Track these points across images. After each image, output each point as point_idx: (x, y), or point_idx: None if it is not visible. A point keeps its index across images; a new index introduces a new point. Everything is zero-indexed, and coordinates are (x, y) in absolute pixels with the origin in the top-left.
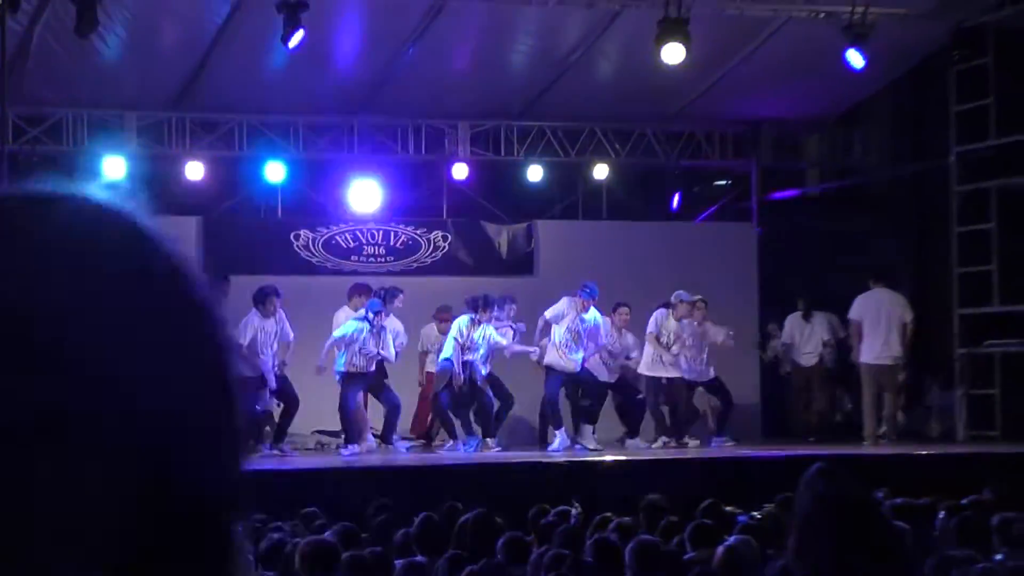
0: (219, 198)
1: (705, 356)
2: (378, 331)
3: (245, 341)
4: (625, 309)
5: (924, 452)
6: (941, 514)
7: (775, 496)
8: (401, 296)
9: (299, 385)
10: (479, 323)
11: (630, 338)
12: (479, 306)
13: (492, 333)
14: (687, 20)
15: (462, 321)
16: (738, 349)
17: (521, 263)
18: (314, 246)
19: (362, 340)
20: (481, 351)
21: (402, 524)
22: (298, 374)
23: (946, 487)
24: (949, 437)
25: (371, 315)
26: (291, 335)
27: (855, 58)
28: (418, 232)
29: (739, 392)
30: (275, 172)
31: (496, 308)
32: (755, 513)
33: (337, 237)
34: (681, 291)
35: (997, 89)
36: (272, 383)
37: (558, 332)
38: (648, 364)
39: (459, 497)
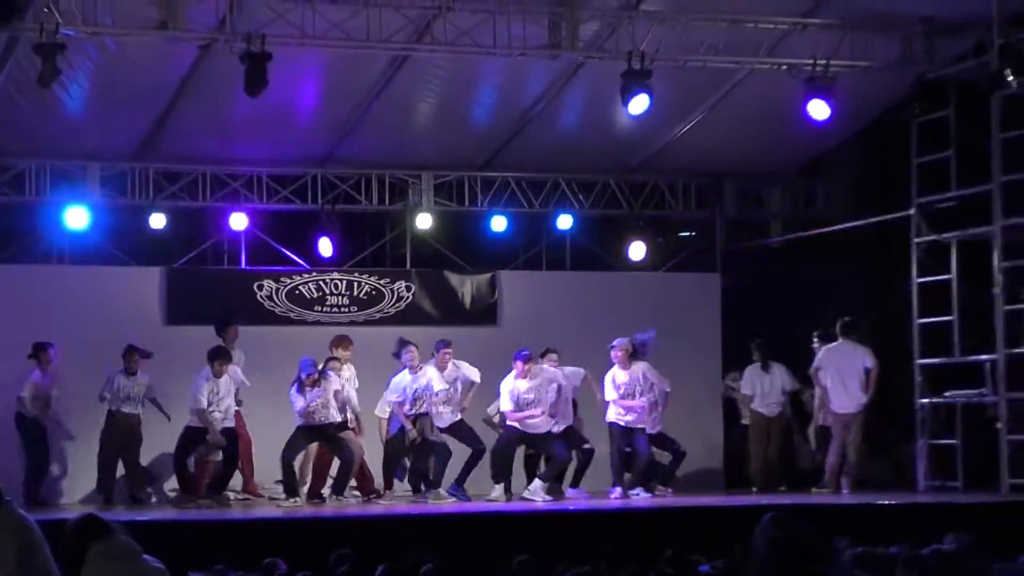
0: (182, 248)
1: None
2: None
3: (204, 400)
4: (554, 355)
5: (886, 502)
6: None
7: (735, 544)
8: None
9: (260, 434)
10: (416, 370)
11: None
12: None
13: (432, 378)
14: (650, 72)
15: (402, 375)
16: (702, 399)
17: (485, 313)
18: (277, 296)
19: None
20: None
21: (365, 573)
22: (259, 423)
23: (908, 536)
24: (910, 487)
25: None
26: (245, 382)
27: (819, 110)
28: (382, 282)
29: (703, 441)
30: (238, 222)
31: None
32: (717, 562)
33: (301, 287)
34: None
35: (958, 141)
36: (220, 440)
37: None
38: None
39: (421, 547)
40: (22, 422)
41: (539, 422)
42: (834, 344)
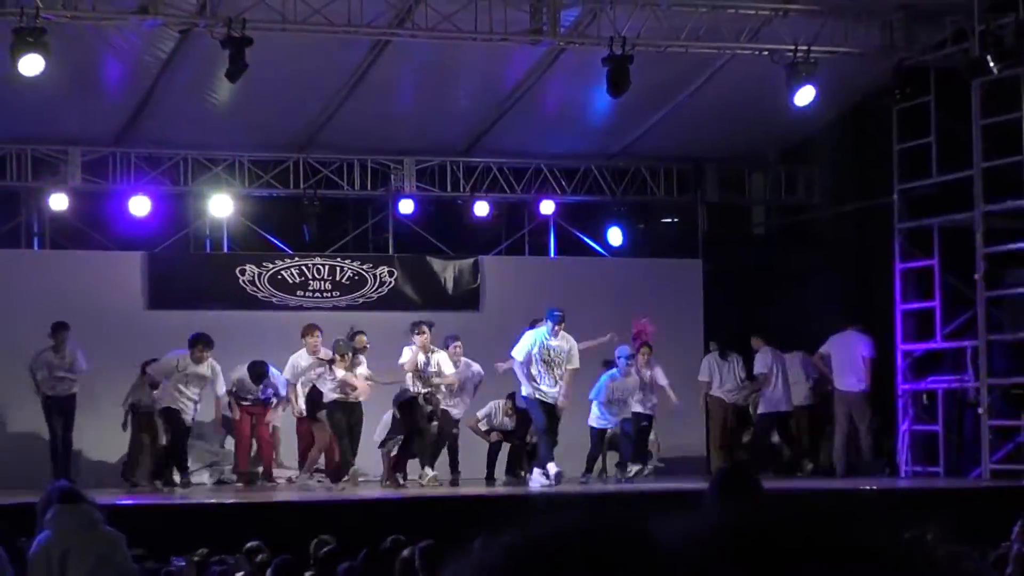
0: (164, 233)
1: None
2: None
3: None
4: (458, 343)
5: (867, 487)
6: None
7: None
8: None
9: None
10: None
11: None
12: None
13: (441, 361)
14: (631, 57)
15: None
16: (686, 385)
17: (467, 298)
18: (260, 281)
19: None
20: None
21: (346, 557)
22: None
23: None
24: (891, 472)
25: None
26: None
27: (803, 95)
28: (364, 267)
29: (687, 427)
30: (221, 207)
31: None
32: None
33: (283, 272)
34: None
35: (939, 127)
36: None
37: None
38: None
39: (403, 530)
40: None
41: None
42: (841, 332)
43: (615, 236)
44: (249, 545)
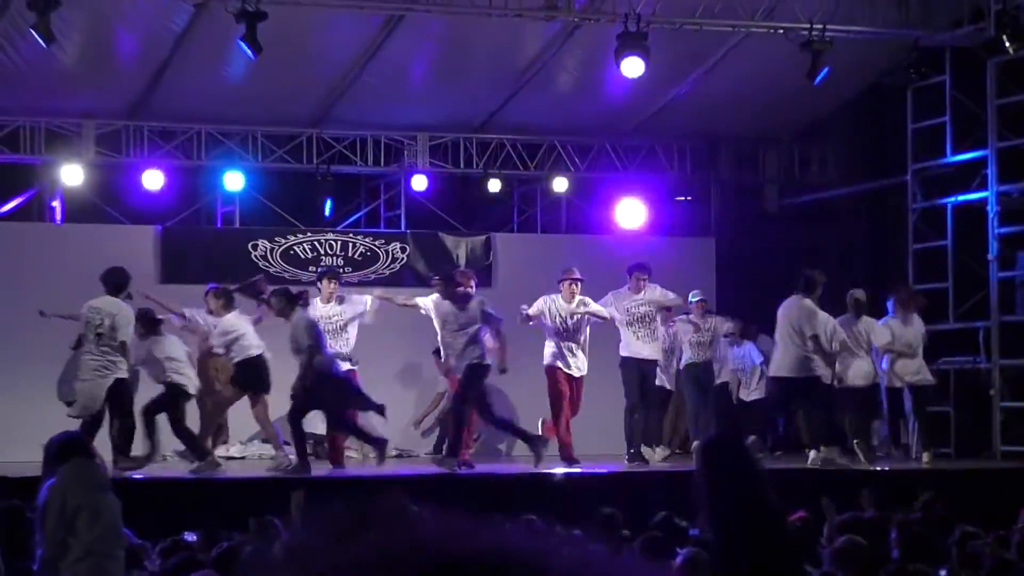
0: (177, 207)
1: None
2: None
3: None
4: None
5: (879, 468)
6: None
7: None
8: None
9: None
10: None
11: None
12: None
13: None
14: (646, 34)
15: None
16: None
17: (479, 275)
18: (272, 256)
19: None
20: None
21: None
22: None
23: (900, 502)
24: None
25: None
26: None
27: (817, 74)
28: (376, 243)
29: None
30: (234, 181)
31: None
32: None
33: (295, 247)
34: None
35: (954, 107)
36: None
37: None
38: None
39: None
40: None
41: None
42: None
43: (628, 214)
44: (255, 520)
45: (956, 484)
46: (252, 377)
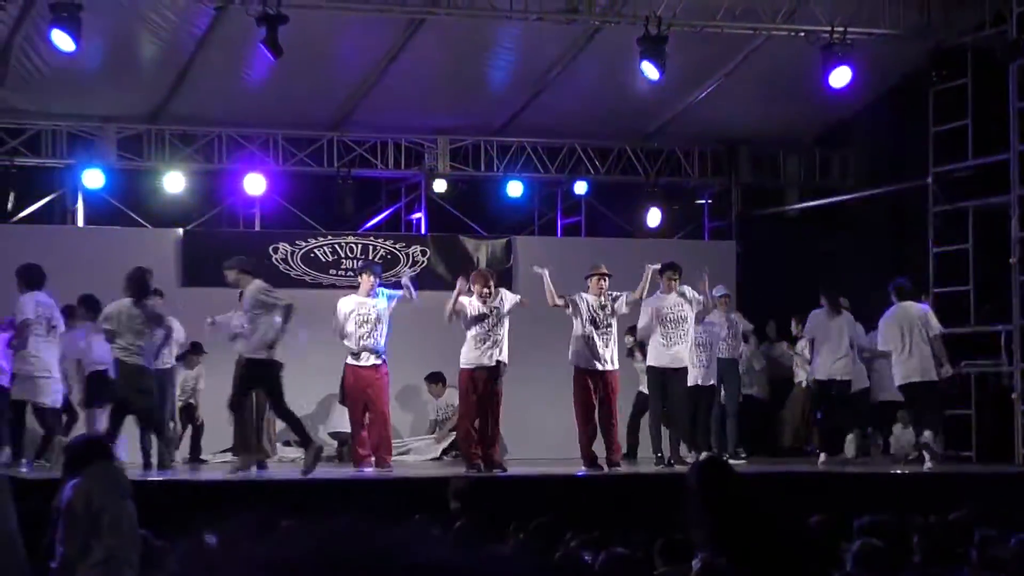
0: (198, 210)
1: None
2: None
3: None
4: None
5: (899, 471)
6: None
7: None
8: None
9: None
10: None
11: None
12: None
13: None
14: (666, 37)
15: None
16: None
17: (500, 279)
18: (293, 259)
19: None
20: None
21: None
22: None
23: (921, 506)
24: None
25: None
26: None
27: (840, 78)
28: (397, 246)
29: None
30: (255, 185)
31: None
32: None
33: (316, 251)
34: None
35: (975, 110)
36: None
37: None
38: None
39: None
40: None
41: None
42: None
43: (649, 217)
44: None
45: (978, 488)
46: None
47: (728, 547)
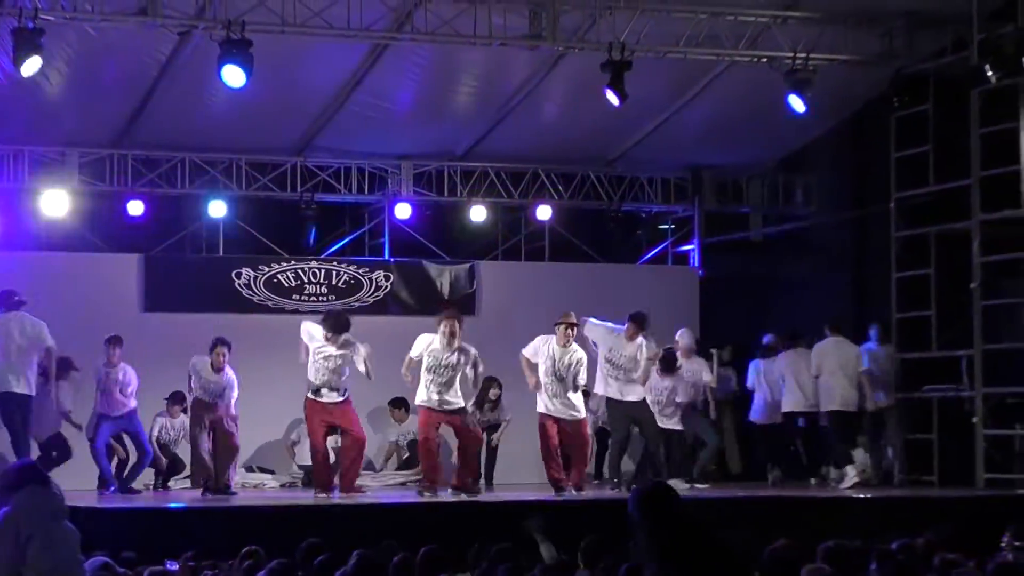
0: (161, 235)
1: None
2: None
3: None
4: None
5: (861, 496)
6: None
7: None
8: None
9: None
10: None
11: None
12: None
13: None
14: (630, 63)
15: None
16: None
17: (463, 304)
18: (256, 284)
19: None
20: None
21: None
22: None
23: (882, 532)
24: (886, 482)
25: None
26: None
27: (797, 103)
28: (360, 271)
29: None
30: (217, 210)
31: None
32: None
33: (279, 276)
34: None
35: (936, 136)
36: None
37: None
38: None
39: (393, 536)
40: None
41: None
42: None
43: (612, 242)
44: (247, 549)
45: (939, 512)
46: None
47: (676, 571)
